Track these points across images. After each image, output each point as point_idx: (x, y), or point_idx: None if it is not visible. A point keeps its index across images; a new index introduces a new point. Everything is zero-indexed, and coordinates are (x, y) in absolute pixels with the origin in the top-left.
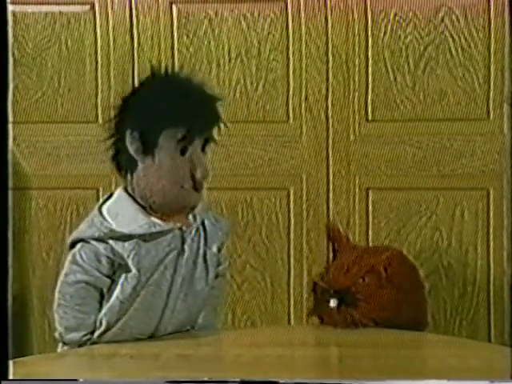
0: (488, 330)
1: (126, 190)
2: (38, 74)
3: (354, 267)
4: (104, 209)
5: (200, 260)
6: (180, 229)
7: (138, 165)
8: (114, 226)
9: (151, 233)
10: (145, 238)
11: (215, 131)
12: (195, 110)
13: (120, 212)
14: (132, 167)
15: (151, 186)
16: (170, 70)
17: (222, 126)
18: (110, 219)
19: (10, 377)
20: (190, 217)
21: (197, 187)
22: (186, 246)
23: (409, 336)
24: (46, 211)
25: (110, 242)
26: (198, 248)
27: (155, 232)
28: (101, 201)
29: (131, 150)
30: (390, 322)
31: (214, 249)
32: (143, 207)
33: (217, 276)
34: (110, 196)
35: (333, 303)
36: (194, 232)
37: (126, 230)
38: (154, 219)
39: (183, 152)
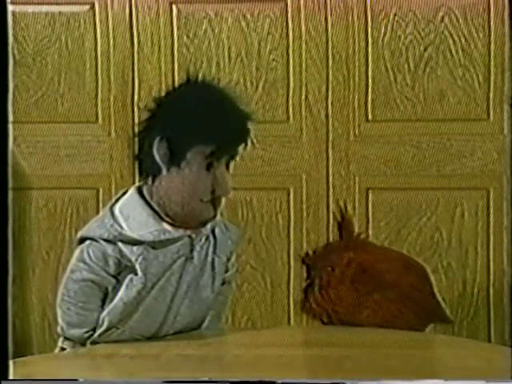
0: (488, 330)
1: (139, 190)
2: (38, 74)
3: (335, 255)
4: (116, 209)
5: (208, 267)
6: (189, 236)
7: (162, 172)
8: (124, 229)
9: (161, 240)
10: (154, 244)
11: (241, 148)
12: (227, 127)
13: (131, 214)
14: (154, 173)
15: (170, 196)
16: (206, 79)
17: (249, 143)
18: (120, 221)
19: (10, 377)
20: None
21: (215, 203)
22: (194, 253)
23: (409, 336)
24: (46, 211)
25: (119, 244)
26: (207, 255)
27: (165, 239)
28: (113, 200)
29: (157, 156)
30: (345, 320)
31: (223, 257)
32: (156, 212)
33: (223, 283)
34: (123, 194)
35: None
36: (203, 239)
37: (135, 235)
38: (165, 225)
39: (208, 167)
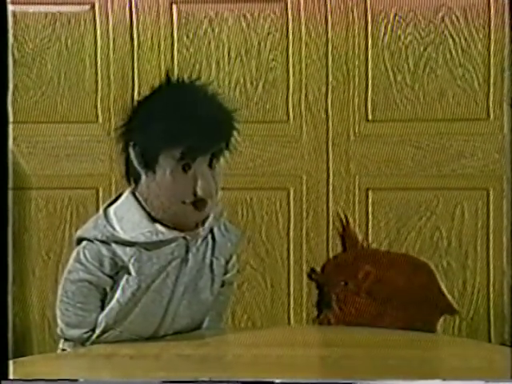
0: (488, 330)
1: (133, 193)
2: (38, 74)
3: (345, 269)
4: (110, 210)
5: (206, 270)
6: (184, 238)
7: (141, 177)
8: (116, 230)
9: (153, 241)
10: (147, 245)
11: (227, 143)
12: (196, 127)
13: (125, 216)
14: (136, 177)
15: (152, 200)
16: (185, 78)
17: (234, 137)
18: (114, 222)
19: (10, 377)
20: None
21: (197, 205)
22: (190, 255)
23: (409, 336)
24: (46, 211)
25: (113, 245)
26: (205, 257)
27: (158, 241)
28: (108, 201)
29: (134, 162)
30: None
31: (222, 259)
32: (149, 213)
33: (223, 284)
34: (119, 196)
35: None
36: (199, 241)
37: (128, 236)
38: (158, 226)
39: (186, 169)
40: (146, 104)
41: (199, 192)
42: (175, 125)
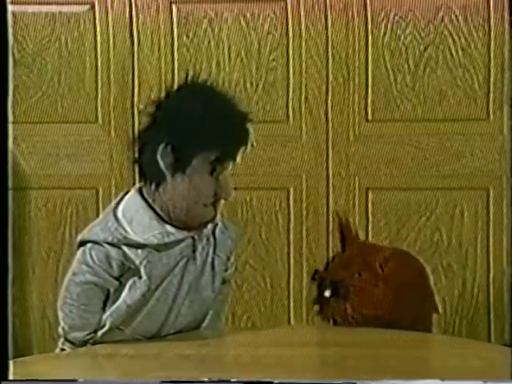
0: (488, 330)
1: (140, 192)
2: (38, 74)
3: (354, 262)
4: (119, 212)
5: (208, 267)
6: (192, 237)
7: (167, 179)
8: (128, 233)
9: (165, 243)
10: (158, 247)
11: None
12: (230, 132)
13: (135, 218)
14: (158, 179)
15: (175, 202)
16: (205, 80)
17: (249, 144)
18: (124, 224)
19: (10, 377)
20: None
21: (215, 205)
22: (197, 254)
23: (409, 336)
24: (46, 211)
25: (124, 247)
26: (207, 255)
27: (169, 242)
28: (115, 202)
29: (162, 163)
30: (383, 320)
31: (223, 256)
32: (158, 214)
33: (223, 282)
34: (124, 196)
35: (327, 293)
36: (204, 240)
37: (140, 239)
38: (168, 227)
39: (212, 172)
40: (173, 105)
41: (221, 194)
42: (214, 128)
